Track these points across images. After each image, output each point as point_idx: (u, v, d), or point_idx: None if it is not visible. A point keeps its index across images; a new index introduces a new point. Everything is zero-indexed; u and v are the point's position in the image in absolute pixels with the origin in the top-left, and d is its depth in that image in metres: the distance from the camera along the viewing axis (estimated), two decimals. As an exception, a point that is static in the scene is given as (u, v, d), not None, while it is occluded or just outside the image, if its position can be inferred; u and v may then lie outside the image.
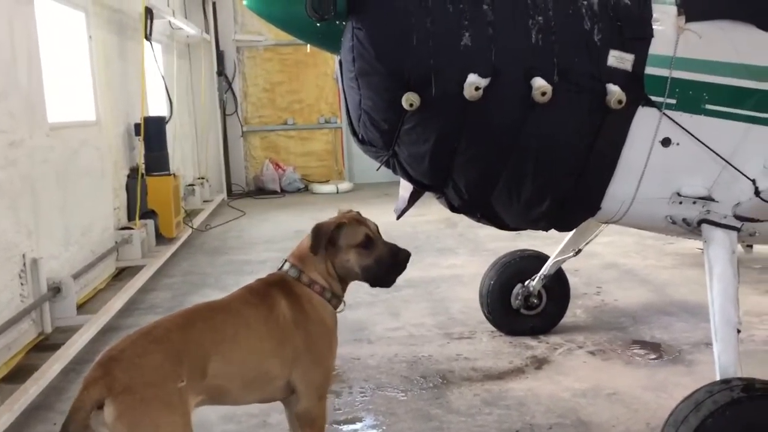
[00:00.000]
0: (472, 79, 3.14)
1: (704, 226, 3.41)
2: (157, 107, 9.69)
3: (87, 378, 2.39)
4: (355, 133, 3.65)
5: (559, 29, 3.21)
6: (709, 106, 3.31)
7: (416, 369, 4.69)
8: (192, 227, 9.43)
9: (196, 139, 12.57)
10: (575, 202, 3.44)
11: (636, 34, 3.25)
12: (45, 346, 5.31)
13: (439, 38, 3.19)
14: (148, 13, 7.87)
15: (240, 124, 14.20)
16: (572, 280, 6.17)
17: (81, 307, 6.20)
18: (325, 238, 3.01)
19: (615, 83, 3.20)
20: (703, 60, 3.30)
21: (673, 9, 3.28)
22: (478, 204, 3.58)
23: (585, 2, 3.24)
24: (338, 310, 3.07)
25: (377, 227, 3.18)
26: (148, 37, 8.01)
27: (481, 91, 3.14)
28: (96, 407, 2.30)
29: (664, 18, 3.28)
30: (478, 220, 3.79)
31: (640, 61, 3.24)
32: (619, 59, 3.23)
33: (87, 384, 2.35)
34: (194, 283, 7.17)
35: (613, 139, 3.30)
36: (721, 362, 3.08)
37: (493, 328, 5.30)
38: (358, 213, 3.21)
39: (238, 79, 14.20)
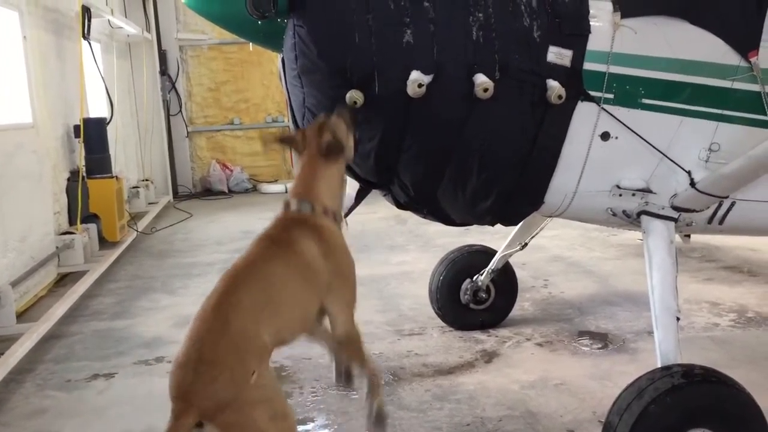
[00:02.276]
0: (415, 76, 3.16)
1: (643, 217, 3.50)
2: (98, 108, 9.46)
3: (174, 411, 2.41)
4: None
5: (499, 26, 3.25)
6: (645, 100, 3.40)
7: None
8: (137, 230, 9.24)
9: (139, 141, 12.32)
10: (519, 196, 3.49)
11: (574, 30, 3.31)
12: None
13: (381, 35, 3.19)
14: (86, 11, 7.68)
15: (185, 125, 13.97)
16: (520, 273, 6.25)
17: (21, 315, 6.01)
18: (344, 146, 3.14)
19: (555, 79, 3.26)
20: (639, 55, 3.38)
21: (609, 5, 3.35)
22: (424, 200, 3.60)
23: (524, 0, 3.28)
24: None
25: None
26: (85, 37, 7.82)
27: (424, 88, 3.16)
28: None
29: (601, 14, 3.35)
30: (425, 216, 3.82)
31: (579, 56, 3.31)
32: (558, 55, 3.29)
33: (177, 415, 2.39)
34: (140, 287, 7.02)
35: (554, 134, 3.36)
36: (661, 349, 3.16)
37: (444, 324, 5.34)
38: (312, 128, 3.20)
39: (181, 79, 13.95)
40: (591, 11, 3.34)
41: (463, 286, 5.18)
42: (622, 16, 3.33)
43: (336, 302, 3.01)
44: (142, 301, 6.50)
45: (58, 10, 8.02)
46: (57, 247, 7.16)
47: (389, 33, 3.19)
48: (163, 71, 13.32)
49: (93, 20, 8.16)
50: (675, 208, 3.50)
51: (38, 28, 7.36)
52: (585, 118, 3.37)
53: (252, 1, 3.20)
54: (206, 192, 13.76)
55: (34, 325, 5.35)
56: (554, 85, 3.23)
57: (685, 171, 3.42)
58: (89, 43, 7.96)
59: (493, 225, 3.77)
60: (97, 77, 9.04)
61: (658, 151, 3.41)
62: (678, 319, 3.26)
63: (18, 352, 4.84)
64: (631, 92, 3.38)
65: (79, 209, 7.43)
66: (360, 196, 3.98)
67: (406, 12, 3.19)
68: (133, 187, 11.19)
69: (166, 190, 12.97)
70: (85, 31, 7.79)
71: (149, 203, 11.60)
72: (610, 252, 7.58)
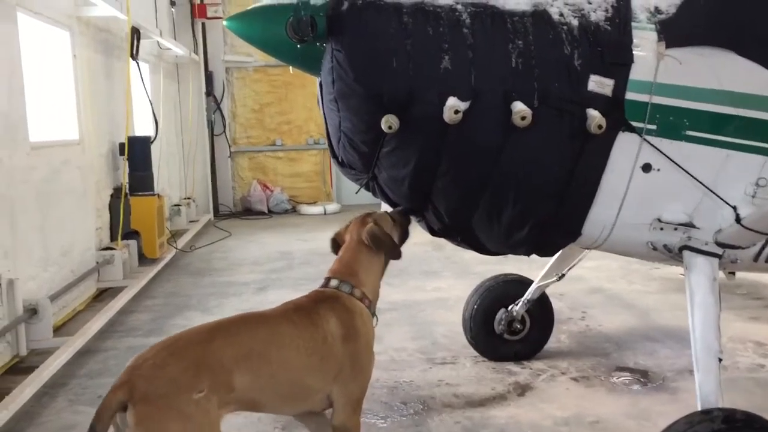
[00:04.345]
0: (452, 102, 3.12)
1: (685, 253, 3.39)
2: (144, 127, 9.64)
3: (116, 382, 2.53)
4: (335, 156, 3.63)
5: (539, 53, 3.20)
6: (689, 132, 3.30)
7: (397, 395, 4.61)
8: (176, 248, 9.34)
9: (183, 159, 12.52)
10: (556, 227, 3.41)
11: (616, 59, 3.24)
12: (20, 369, 5.20)
13: (419, 61, 3.17)
14: (135, 33, 7.84)
15: (228, 145, 14.16)
16: (557, 304, 6.13)
17: (59, 329, 6.11)
18: (387, 236, 3.23)
19: (595, 108, 3.19)
20: (684, 86, 3.30)
21: (654, 35, 3.29)
22: (459, 228, 3.55)
23: (565, 27, 3.23)
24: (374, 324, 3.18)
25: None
26: (134, 57, 7.98)
27: (460, 114, 3.12)
28: (120, 409, 2.46)
29: (644, 43, 3.28)
30: (459, 244, 3.76)
31: (621, 86, 3.24)
32: (599, 84, 3.22)
33: (114, 387, 2.50)
34: (176, 305, 7.07)
35: (593, 165, 3.28)
36: (702, 392, 3.03)
37: (477, 354, 5.24)
38: (357, 219, 3.34)
39: (226, 100, 14.18)
40: (634, 40, 3.27)
41: (498, 316, 5.08)
42: (667, 46, 3.25)
43: (343, 391, 2.92)
44: (177, 319, 6.53)
45: (109, 30, 8.22)
46: (97, 263, 7.27)
47: (427, 58, 3.16)
48: (209, 92, 13.53)
49: (142, 41, 8.35)
50: (719, 245, 3.38)
51: (88, 48, 7.55)
52: (626, 148, 3.29)
53: (292, 25, 3.21)
54: (246, 212, 13.87)
55: (69, 340, 5.41)
56: (594, 115, 3.16)
57: (731, 206, 3.31)
58: (137, 64, 8.11)
59: (528, 255, 3.68)
60: (143, 97, 9.22)
61: (703, 185, 3.30)
62: (720, 360, 3.14)
63: (52, 366, 4.90)
64: (674, 123, 3.29)
65: (120, 226, 7.53)
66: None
67: (444, 38, 3.17)
68: (175, 205, 11.34)
69: (207, 208, 13.12)
70: (134, 52, 7.94)
71: (190, 221, 11.74)
72: (651, 285, 7.39)
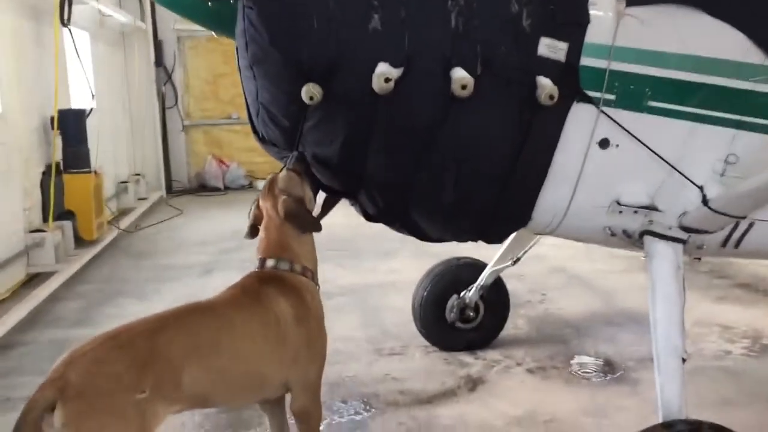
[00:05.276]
0: (382, 68, 2.69)
1: (647, 238, 3.02)
2: (83, 99, 9.04)
3: (47, 377, 2.24)
4: (255, 131, 3.19)
5: (482, 12, 2.77)
6: (652, 103, 2.92)
7: (337, 392, 4.23)
8: (119, 228, 8.81)
9: (132, 134, 11.91)
10: (503, 212, 3.01)
11: (570, 18, 2.83)
12: None
13: (344, 20, 2.73)
14: (64, -3, 7.23)
15: (181, 118, 13.54)
16: (516, 286, 5.83)
17: (-22, 320, 5.61)
18: (305, 211, 2.86)
19: (546, 76, 2.79)
20: (646, 50, 2.90)
21: (613, -9, 2.87)
22: (395, 213, 3.14)
23: (513, -19, 2.80)
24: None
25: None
26: (65, 24, 7.38)
27: (392, 83, 2.69)
28: (48, 409, 2.16)
29: (602, 2, 2.86)
30: (399, 230, 3.35)
31: (575, 50, 2.82)
32: (551, 48, 2.81)
33: (42, 385, 2.21)
34: (110, 291, 6.58)
35: (544, 140, 2.88)
36: (663, 399, 2.68)
37: (428, 343, 4.88)
38: (264, 190, 2.98)
39: (178, 71, 13.51)
40: (591, -2, 2.86)
41: (449, 303, 4.71)
42: (628, 4, 2.84)
43: (301, 375, 2.72)
44: (109, 307, 6.07)
45: (38, -5, 7.59)
46: (26, 246, 6.74)
47: (353, 17, 2.72)
48: (159, 62, 12.88)
49: (78, 7, 7.75)
50: (684, 229, 3.02)
51: (13, 13, 6.93)
52: (581, 122, 2.89)
53: None
54: (201, 188, 13.32)
55: (-20, 334, 4.93)
56: (545, 83, 2.76)
57: (697, 186, 2.94)
58: (70, 31, 7.51)
59: (474, 242, 3.29)
60: (79, 67, 8.61)
61: (666, 162, 2.92)
62: (684, 360, 2.79)
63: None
64: (635, 93, 2.89)
65: (51, 206, 7.00)
66: (327, 206, 3.50)
67: (373, -7, 2.72)
68: (122, 182, 10.77)
69: (159, 185, 12.54)
70: (65, 18, 7.34)
71: (139, 199, 11.18)
72: (615, 264, 7.08)
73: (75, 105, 8.55)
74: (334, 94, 2.76)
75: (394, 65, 2.71)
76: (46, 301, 6.08)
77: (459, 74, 2.70)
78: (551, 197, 2.98)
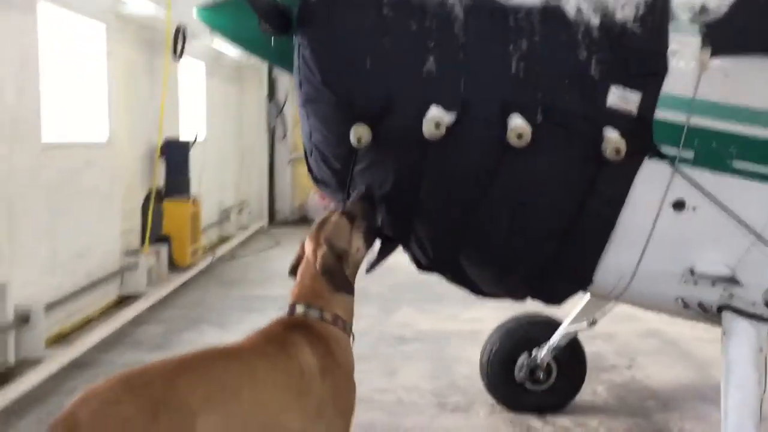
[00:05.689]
0: (434, 112, 2.56)
1: (725, 314, 2.70)
2: (192, 129, 9.41)
3: (58, 416, 2.18)
4: (310, 169, 3.12)
5: (546, 58, 2.60)
6: (737, 164, 2.62)
7: (391, 446, 4.05)
8: (214, 255, 9.03)
9: (241, 164, 12.31)
10: (560, 271, 2.78)
11: (645, 68, 2.60)
12: (4, 378, 4.91)
13: (398, 61, 2.63)
14: (178, 32, 7.57)
15: (289, 151, 13.88)
16: (602, 347, 5.46)
17: (66, 336, 5.82)
18: (340, 271, 2.66)
19: (615, 128, 2.56)
20: (734, 105, 2.62)
21: (696, 40, 2.62)
22: (446, 264, 2.97)
23: (582, 28, 2.61)
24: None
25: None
26: (178, 58, 7.71)
27: (443, 128, 2.55)
28: None
29: (683, 50, 2.62)
30: (452, 282, 3.17)
31: (649, 102, 2.59)
32: (621, 98, 2.59)
33: (54, 421, 2.16)
34: (194, 317, 6.70)
35: (609, 198, 2.65)
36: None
37: (495, 401, 4.61)
38: (312, 232, 2.79)
39: (290, 106, 13.89)
40: (671, 46, 2.62)
41: (519, 362, 4.43)
42: (713, 54, 2.58)
43: (325, 430, 2.53)
44: (189, 333, 6.17)
45: (155, 28, 7.98)
46: (120, 267, 7.00)
47: (407, 58, 2.62)
48: (272, 97, 13.29)
49: (194, 42, 8.09)
50: (771, 306, 2.68)
51: (128, 45, 7.32)
52: (653, 180, 2.64)
53: (261, 13, 2.74)
54: (302, 220, 13.53)
55: (60, 351, 5.10)
56: (612, 137, 2.53)
57: (787, 260, 2.60)
58: (182, 65, 7.85)
59: (531, 299, 3.06)
60: (195, 98, 8.99)
61: (751, 230, 2.61)
62: (759, 458, 2.44)
63: (32, 379, 4.59)
64: (718, 152, 2.62)
65: (147, 230, 7.26)
66: (385, 251, 3.37)
67: (430, 35, 2.61)
68: (225, 210, 11.10)
69: (262, 215, 12.86)
70: (178, 52, 7.67)
71: (240, 227, 11.48)
72: (718, 331, 6.49)
73: (184, 135, 8.89)
74: (384, 137, 2.65)
75: (448, 109, 2.58)
76: (131, 323, 6.26)
77: (516, 122, 2.53)
78: (616, 259, 2.73)
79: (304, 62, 2.71)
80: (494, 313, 6.90)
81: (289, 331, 2.59)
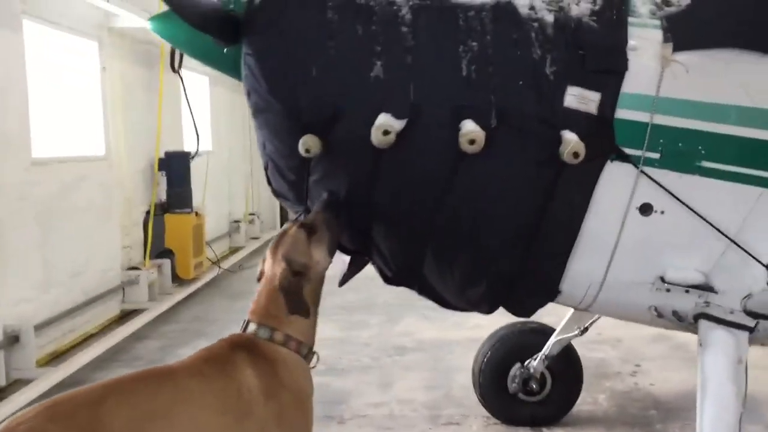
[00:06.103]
0: (382, 120, 2.45)
1: (702, 323, 2.54)
2: (203, 142, 9.37)
3: None
4: (269, 182, 3.02)
5: (498, 58, 2.47)
6: (706, 164, 2.47)
7: (376, 463, 3.93)
8: (220, 267, 8.98)
9: (251, 175, 12.28)
10: (525, 282, 2.64)
11: (604, 65, 2.46)
12: (-5, 399, 4.90)
13: (344, 67, 2.52)
14: (175, 44, 7.54)
15: (301, 160, 13.84)
16: (608, 353, 5.29)
17: (64, 354, 5.80)
18: (298, 291, 2.52)
19: (573, 130, 2.42)
20: (699, 102, 2.47)
21: (658, 34, 2.47)
22: (409, 276, 2.84)
23: (536, 24, 2.48)
24: (312, 365, 2.59)
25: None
26: (176, 70, 7.67)
27: (392, 136, 2.44)
28: None
29: (645, 45, 2.47)
30: (420, 294, 3.04)
31: (609, 101, 2.45)
32: (579, 98, 2.45)
33: None
34: (194, 332, 6.63)
35: (570, 204, 2.51)
36: None
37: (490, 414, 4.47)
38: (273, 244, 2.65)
39: (300, 114, 13.88)
40: (630, 42, 2.47)
41: (512, 372, 4.27)
42: (675, 49, 2.43)
43: None
44: (187, 349, 6.07)
45: (151, 41, 7.95)
46: (122, 282, 6.98)
47: (353, 64, 2.51)
48: (281, 106, 13.25)
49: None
50: (750, 314, 2.51)
51: (123, 60, 7.30)
52: (617, 183, 2.49)
53: (213, 23, 2.66)
54: (315, 229, 13.48)
55: (51, 370, 5.06)
56: (570, 139, 2.39)
57: (764, 265, 2.44)
58: (181, 77, 7.79)
59: (503, 312, 2.92)
60: (199, 111, 8.96)
61: (723, 234, 2.45)
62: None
63: (19, 399, 4.53)
64: (685, 151, 2.47)
65: (148, 244, 7.23)
66: (356, 264, 3.25)
67: (376, 38, 2.50)
68: (235, 221, 11.07)
69: (274, 225, 12.81)
70: (176, 65, 7.63)
71: (251, 238, 11.44)
72: (732, 335, 6.27)
73: (188, 148, 8.86)
74: (334, 147, 2.54)
75: (397, 116, 2.46)
76: (132, 338, 6.21)
77: (468, 127, 2.41)
78: (583, 268, 2.58)
79: (250, 71, 2.62)
80: (499, 320, 6.75)
81: (233, 350, 2.47)
